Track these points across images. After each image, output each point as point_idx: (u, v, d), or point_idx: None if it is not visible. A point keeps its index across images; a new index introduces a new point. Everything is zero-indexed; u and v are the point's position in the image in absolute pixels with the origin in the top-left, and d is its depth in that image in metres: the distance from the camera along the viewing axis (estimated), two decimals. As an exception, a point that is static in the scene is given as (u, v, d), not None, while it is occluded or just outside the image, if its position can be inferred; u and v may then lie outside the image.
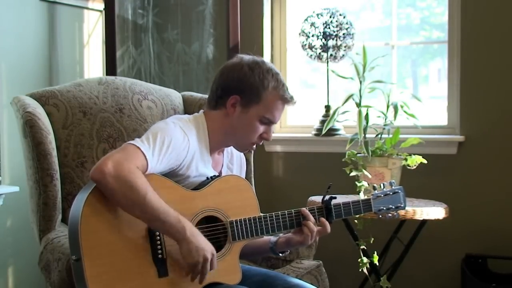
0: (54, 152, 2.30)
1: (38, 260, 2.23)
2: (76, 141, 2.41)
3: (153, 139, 1.93)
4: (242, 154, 2.33)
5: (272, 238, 2.17)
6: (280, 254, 2.19)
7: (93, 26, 3.70)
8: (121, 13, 3.81)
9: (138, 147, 1.89)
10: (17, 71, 3.21)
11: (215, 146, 2.15)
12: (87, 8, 3.64)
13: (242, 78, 2.08)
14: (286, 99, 2.10)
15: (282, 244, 2.15)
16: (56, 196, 2.27)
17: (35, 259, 2.25)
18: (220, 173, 2.20)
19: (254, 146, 2.16)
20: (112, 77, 2.68)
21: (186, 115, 2.19)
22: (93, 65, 3.70)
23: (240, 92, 2.07)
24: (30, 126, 2.24)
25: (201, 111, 2.19)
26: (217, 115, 2.12)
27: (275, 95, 2.08)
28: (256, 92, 2.06)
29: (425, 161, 3.02)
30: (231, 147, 2.25)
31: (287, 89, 2.11)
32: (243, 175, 2.30)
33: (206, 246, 1.89)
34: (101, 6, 3.63)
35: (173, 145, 1.96)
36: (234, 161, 2.28)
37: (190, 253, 1.86)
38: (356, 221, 2.93)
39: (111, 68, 3.52)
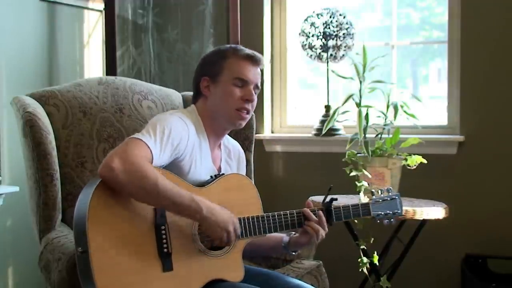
0: (54, 152, 2.30)
1: (38, 260, 2.23)
2: (76, 141, 2.41)
3: (153, 129, 1.96)
4: (240, 149, 2.36)
5: (285, 238, 2.22)
6: (293, 253, 2.26)
7: (93, 26, 3.70)
8: (121, 13, 3.81)
9: (140, 139, 1.91)
10: (17, 71, 3.21)
11: (211, 134, 2.18)
12: (87, 8, 3.64)
13: (202, 62, 2.22)
14: (248, 55, 2.16)
15: (293, 244, 2.21)
16: (56, 196, 2.27)
17: (35, 259, 2.25)
18: (219, 168, 2.22)
19: (244, 113, 2.15)
20: (112, 77, 2.68)
21: (180, 109, 2.25)
22: (93, 65, 3.70)
23: (205, 72, 2.18)
24: (30, 126, 2.24)
25: (191, 105, 2.24)
26: (200, 103, 2.20)
27: (236, 57, 2.16)
28: (218, 65, 2.16)
29: (425, 161, 3.02)
30: (228, 140, 2.29)
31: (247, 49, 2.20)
32: (243, 170, 2.34)
33: (225, 219, 1.95)
34: (101, 6, 3.62)
35: (174, 132, 1.99)
36: (232, 155, 2.30)
37: (213, 230, 1.94)
38: (356, 221, 2.93)
39: (111, 68, 3.52)
